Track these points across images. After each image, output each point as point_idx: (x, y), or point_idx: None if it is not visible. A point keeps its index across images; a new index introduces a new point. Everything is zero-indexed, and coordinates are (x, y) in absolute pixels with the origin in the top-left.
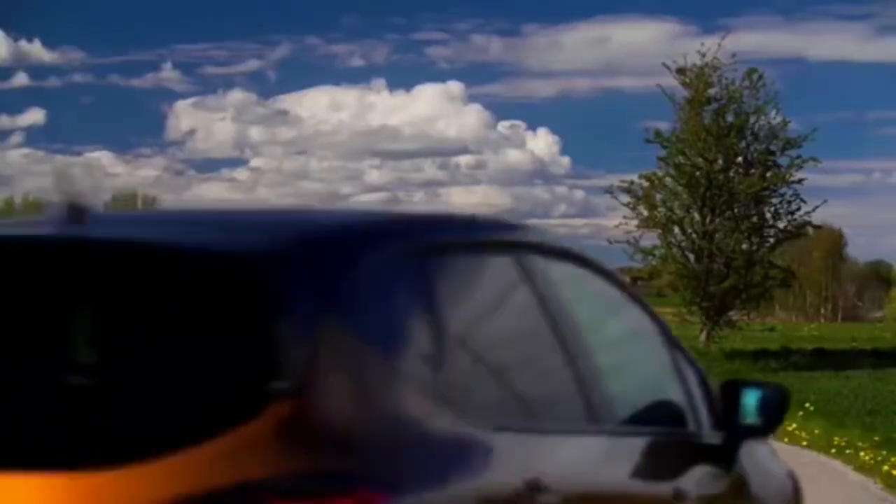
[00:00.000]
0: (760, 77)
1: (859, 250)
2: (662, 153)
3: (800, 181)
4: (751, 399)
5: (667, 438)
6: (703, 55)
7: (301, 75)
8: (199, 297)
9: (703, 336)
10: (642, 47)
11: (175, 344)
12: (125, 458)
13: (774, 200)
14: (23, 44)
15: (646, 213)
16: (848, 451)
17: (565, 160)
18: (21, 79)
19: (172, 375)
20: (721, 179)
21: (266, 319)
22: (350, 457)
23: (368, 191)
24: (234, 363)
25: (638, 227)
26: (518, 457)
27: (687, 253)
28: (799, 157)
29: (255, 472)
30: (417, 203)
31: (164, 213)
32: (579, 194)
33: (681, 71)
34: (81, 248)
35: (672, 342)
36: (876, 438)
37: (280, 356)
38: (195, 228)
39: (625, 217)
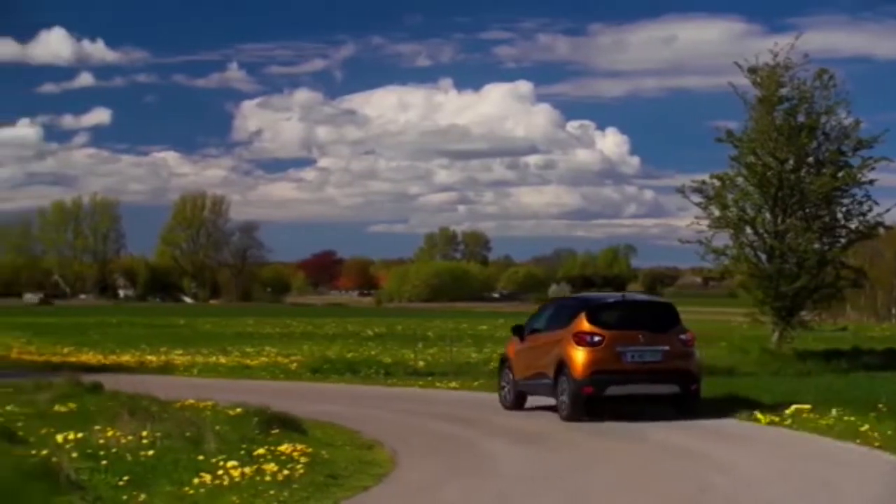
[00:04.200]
0: (831, 77)
1: None
2: (734, 153)
3: (871, 182)
4: None
5: None
6: (776, 55)
7: (367, 75)
8: (665, 313)
9: (775, 336)
10: (709, 46)
11: (663, 319)
12: (666, 330)
13: (846, 201)
14: (86, 44)
15: (717, 212)
16: None
17: (634, 160)
18: (85, 79)
19: (664, 322)
20: (792, 179)
21: (674, 317)
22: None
23: (437, 191)
24: (672, 321)
25: (710, 226)
26: None
27: (759, 253)
28: (870, 157)
29: (684, 333)
30: (486, 203)
31: (633, 297)
32: (649, 194)
33: (752, 70)
34: (648, 303)
35: None
36: None
37: (668, 320)
38: (648, 298)
39: (696, 217)
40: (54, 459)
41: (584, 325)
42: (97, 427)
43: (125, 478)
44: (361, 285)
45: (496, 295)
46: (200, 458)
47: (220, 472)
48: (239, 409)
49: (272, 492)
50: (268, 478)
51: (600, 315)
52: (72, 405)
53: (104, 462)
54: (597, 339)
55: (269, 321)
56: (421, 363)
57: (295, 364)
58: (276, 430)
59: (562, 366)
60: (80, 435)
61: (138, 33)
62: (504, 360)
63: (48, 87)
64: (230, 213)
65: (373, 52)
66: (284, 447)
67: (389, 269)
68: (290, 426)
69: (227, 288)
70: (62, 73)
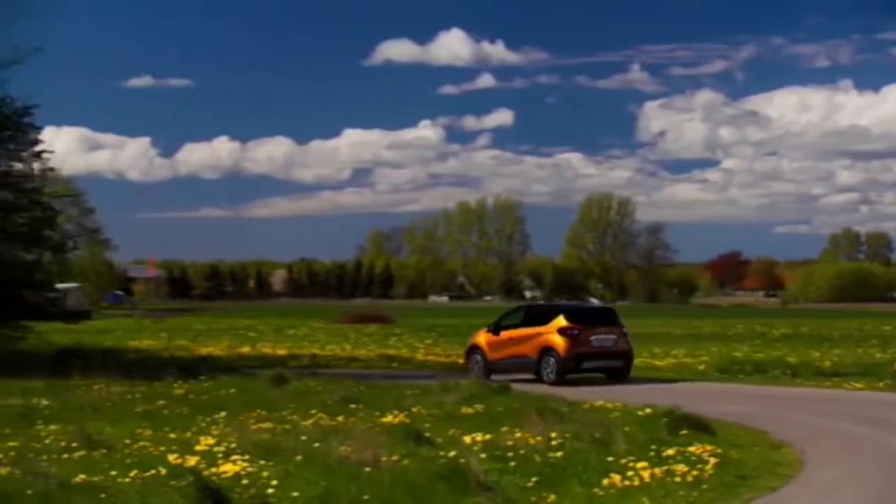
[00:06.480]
0: None
1: None
2: None
3: None
4: None
5: None
6: None
7: (767, 76)
8: (612, 314)
9: None
10: None
11: (610, 318)
12: (613, 325)
13: None
14: (485, 45)
15: None
16: None
17: None
18: (486, 80)
19: (611, 320)
20: None
21: (616, 316)
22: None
23: (839, 192)
24: (616, 319)
25: None
26: None
27: None
28: None
29: (623, 327)
30: (887, 204)
31: (590, 304)
32: None
33: None
34: (602, 308)
35: None
36: None
37: (615, 320)
38: (599, 304)
39: None
40: (462, 460)
41: (564, 322)
42: (505, 428)
43: (534, 479)
44: (767, 286)
45: None
46: (610, 459)
47: (630, 472)
48: (648, 410)
49: (681, 492)
50: (677, 478)
51: (573, 315)
52: (479, 406)
53: (512, 463)
54: (575, 331)
55: (677, 322)
56: (827, 363)
57: (703, 365)
58: (685, 431)
59: (547, 349)
60: (487, 436)
61: (538, 35)
62: (473, 348)
63: (448, 89)
64: (636, 214)
65: (773, 52)
66: (693, 448)
67: (794, 270)
68: (699, 427)
69: (635, 289)
70: (462, 74)
